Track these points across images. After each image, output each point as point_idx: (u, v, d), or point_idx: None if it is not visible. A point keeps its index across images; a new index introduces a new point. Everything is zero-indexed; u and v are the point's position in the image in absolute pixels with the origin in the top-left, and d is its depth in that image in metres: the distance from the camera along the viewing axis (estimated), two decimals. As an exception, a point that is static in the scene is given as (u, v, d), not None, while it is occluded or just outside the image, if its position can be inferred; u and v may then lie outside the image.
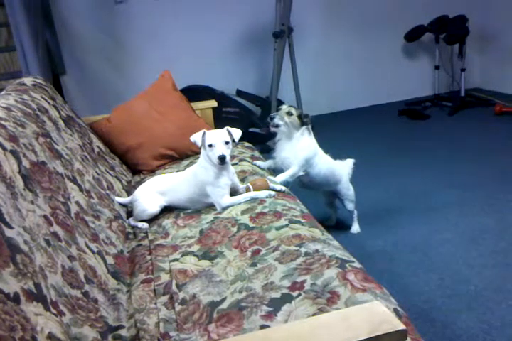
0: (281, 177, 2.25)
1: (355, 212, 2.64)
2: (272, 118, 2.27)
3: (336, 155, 2.49)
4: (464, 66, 4.71)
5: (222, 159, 1.87)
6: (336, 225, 2.75)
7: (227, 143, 1.90)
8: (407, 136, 4.19)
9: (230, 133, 1.93)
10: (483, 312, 1.92)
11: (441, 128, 4.28)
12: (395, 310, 1.24)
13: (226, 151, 1.89)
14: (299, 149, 2.30)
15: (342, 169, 2.53)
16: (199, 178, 1.98)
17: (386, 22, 4.78)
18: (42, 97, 2.13)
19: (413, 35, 4.79)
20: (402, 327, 0.89)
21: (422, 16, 4.67)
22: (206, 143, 1.91)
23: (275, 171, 2.35)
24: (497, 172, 3.22)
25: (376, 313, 0.94)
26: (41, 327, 1.03)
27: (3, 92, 2.04)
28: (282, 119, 2.27)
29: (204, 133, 1.92)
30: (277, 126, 2.28)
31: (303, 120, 2.29)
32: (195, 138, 1.94)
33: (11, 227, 1.17)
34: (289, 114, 2.27)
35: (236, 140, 1.95)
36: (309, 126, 2.32)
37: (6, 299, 0.99)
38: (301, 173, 2.32)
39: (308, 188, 2.49)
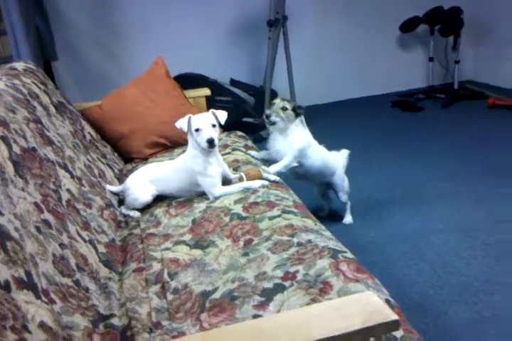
0: (275, 167, 2.23)
1: (349, 203, 2.64)
2: (268, 117, 2.24)
3: (328, 146, 2.48)
4: (458, 58, 4.70)
5: (210, 142, 1.85)
6: (328, 216, 2.75)
7: (214, 126, 1.88)
8: (399, 127, 4.19)
9: (215, 115, 1.91)
10: (475, 303, 1.93)
11: (434, 121, 4.28)
12: (387, 301, 1.24)
13: (214, 134, 1.86)
14: (292, 140, 2.28)
15: (336, 160, 2.53)
16: (189, 167, 1.96)
17: (381, 12, 4.75)
18: (33, 82, 2.09)
19: (408, 26, 4.77)
20: (394, 317, 0.89)
21: (417, 7, 4.64)
22: (193, 127, 1.88)
23: (269, 162, 2.34)
24: (488, 165, 3.23)
25: (368, 303, 0.94)
26: (32, 316, 1.02)
27: (-7, 77, 2.00)
28: (278, 116, 2.24)
29: (190, 118, 1.90)
30: (274, 123, 2.26)
31: (297, 112, 2.26)
32: (181, 123, 1.91)
33: (1, 214, 1.15)
34: (284, 109, 2.24)
35: (222, 122, 1.92)
36: (302, 117, 2.31)
37: (-4, 287, 0.98)
38: (295, 164, 2.31)
39: (303, 180, 2.48)
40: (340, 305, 0.97)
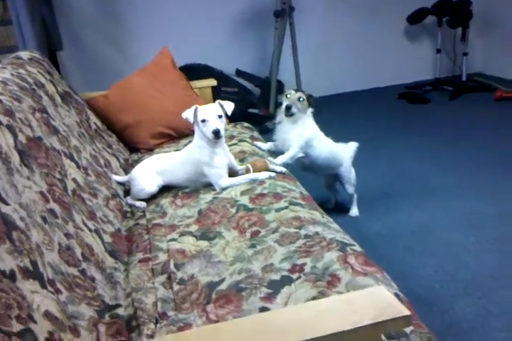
0: (281, 158, 2.23)
1: (355, 196, 2.63)
2: (289, 108, 2.24)
3: (334, 138, 2.46)
4: (466, 50, 4.65)
5: (216, 133, 1.83)
6: (334, 208, 2.73)
7: (220, 117, 1.86)
8: (406, 119, 4.16)
9: (222, 106, 1.89)
10: (481, 298, 1.92)
11: (441, 113, 4.24)
12: (396, 295, 1.23)
13: (220, 125, 1.85)
14: (300, 130, 2.27)
15: (344, 152, 2.51)
16: (195, 157, 1.94)
17: (389, 3, 4.70)
18: (38, 72, 2.08)
19: (416, 18, 4.72)
20: (407, 312, 0.87)
21: (425, -2, 4.60)
22: (199, 118, 1.87)
23: (275, 154, 2.33)
24: (495, 158, 3.20)
25: (380, 298, 0.92)
26: (37, 305, 1.01)
27: (-2, 66, 1.99)
28: (297, 107, 2.25)
29: (196, 109, 1.88)
30: (293, 114, 2.25)
31: (309, 102, 2.28)
32: (187, 114, 1.89)
33: (6, 203, 1.14)
34: (300, 99, 2.25)
35: (229, 113, 1.91)
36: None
37: (1, 276, 0.97)
38: (301, 155, 2.30)
39: (310, 171, 2.47)
40: (351, 299, 0.95)
